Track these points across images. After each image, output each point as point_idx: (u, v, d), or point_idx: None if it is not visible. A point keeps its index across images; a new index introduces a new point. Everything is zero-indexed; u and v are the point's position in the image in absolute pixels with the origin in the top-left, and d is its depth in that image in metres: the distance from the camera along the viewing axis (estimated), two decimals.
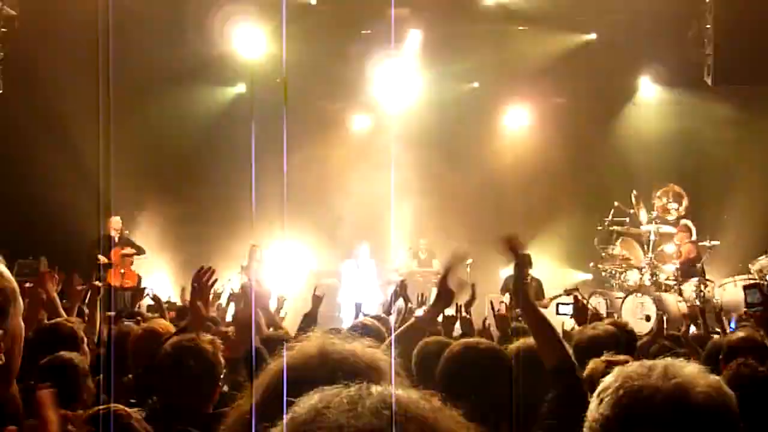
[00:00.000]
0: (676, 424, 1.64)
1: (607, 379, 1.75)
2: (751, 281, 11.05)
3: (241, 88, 15.66)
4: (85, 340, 4.57)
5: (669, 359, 1.80)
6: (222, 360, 3.51)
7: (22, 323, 1.86)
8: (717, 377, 1.76)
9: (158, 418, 3.19)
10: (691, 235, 12.47)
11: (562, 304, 9.74)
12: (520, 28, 14.77)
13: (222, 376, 3.55)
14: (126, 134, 12.30)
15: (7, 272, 1.83)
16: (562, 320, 8.10)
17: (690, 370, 1.73)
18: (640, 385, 1.68)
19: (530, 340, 3.43)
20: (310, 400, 1.18)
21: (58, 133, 11.54)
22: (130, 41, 12.35)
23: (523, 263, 3.40)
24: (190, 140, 15.25)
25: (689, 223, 12.60)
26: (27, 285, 4.89)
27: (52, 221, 11.57)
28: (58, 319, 4.77)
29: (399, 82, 14.90)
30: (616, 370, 1.78)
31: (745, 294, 4.71)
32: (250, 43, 13.92)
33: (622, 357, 3.33)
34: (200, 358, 3.39)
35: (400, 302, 7.30)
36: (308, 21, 14.49)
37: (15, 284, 1.83)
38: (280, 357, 1.66)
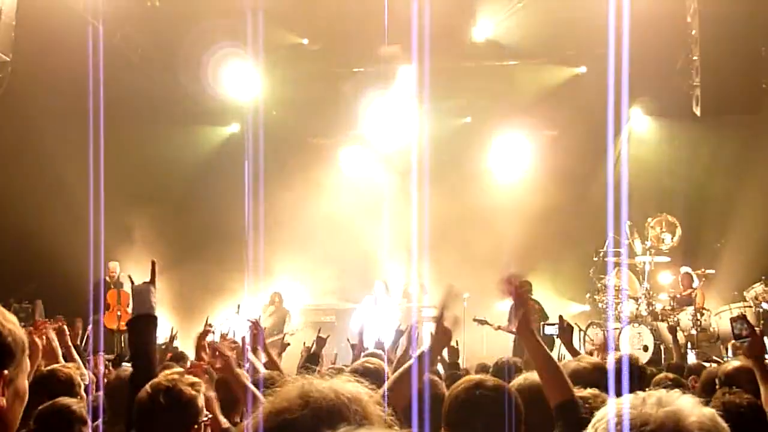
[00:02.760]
0: None
1: (602, 410, 1.70)
2: (739, 312, 11.04)
3: (234, 127, 15.71)
4: (82, 385, 4.53)
5: (663, 390, 1.74)
6: (201, 402, 3.44)
7: (26, 383, 1.84)
8: (711, 409, 1.69)
9: None
10: (692, 281, 12.45)
11: (548, 325, 9.77)
12: (511, 63, 14.85)
13: (203, 417, 3.48)
14: (121, 175, 12.29)
15: (18, 329, 1.81)
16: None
17: (683, 400, 1.68)
18: (633, 414, 1.64)
19: (532, 375, 3.41)
20: None
21: (52, 175, 11.51)
22: (123, 84, 12.39)
23: (524, 303, 3.33)
24: (184, 179, 15.25)
25: (690, 270, 12.58)
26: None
27: (46, 264, 11.50)
28: (55, 366, 4.73)
29: (392, 118, 14.91)
30: (612, 401, 1.76)
31: (732, 326, 4.63)
32: (243, 83, 13.94)
33: (587, 392, 3.29)
34: (177, 399, 3.31)
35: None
36: (301, 60, 14.56)
37: (25, 338, 1.82)
38: (269, 398, 1.69)
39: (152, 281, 4.03)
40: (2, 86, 10.53)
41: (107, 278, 12.20)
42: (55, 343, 5.35)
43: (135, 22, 12.68)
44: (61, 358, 5.33)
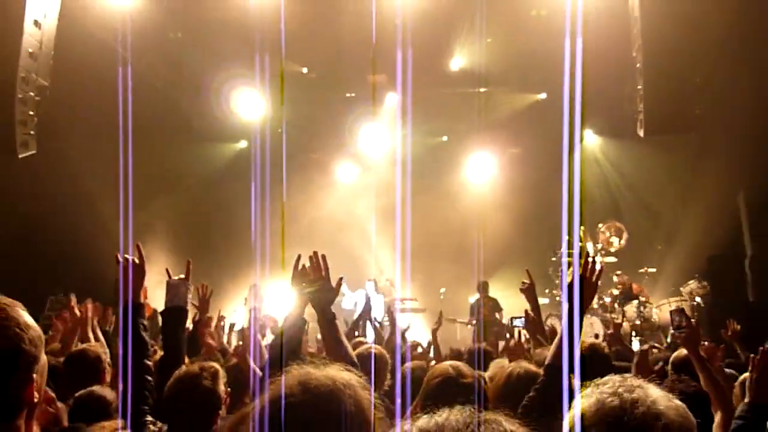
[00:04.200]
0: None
1: (586, 401, 1.65)
2: (677, 306, 11.04)
3: (243, 144, 15.69)
4: (108, 365, 4.47)
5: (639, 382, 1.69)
6: (222, 390, 3.34)
7: (45, 358, 1.80)
8: (682, 404, 1.66)
9: None
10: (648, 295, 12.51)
11: (516, 318, 9.78)
12: (482, 89, 14.83)
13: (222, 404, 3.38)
14: (145, 186, 12.18)
15: (34, 324, 1.77)
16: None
17: (656, 393, 1.64)
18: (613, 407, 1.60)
19: (525, 363, 3.46)
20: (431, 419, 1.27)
21: (83, 186, 11.41)
22: (147, 106, 12.31)
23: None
24: (200, 188, 15.21)
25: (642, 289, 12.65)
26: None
27: (78, 264, 11.39)
28: (83, 345, 4.73)
29: (379, 136, 14.91)
30: (592, 389, 1.68)
31: (671, 318, 4.55)
32: (251, 106, 13.90)
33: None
34: (198, 390, 3.22)
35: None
36: (301, 86, 14.54)
37: (41, 332, 1.78)
38: (275, 383, 1.65)
39: (187, 278, 3.95)
40: (41, 108, 10.43)
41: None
42: (88, 323, 5.37)
43: (159, 51, 12.63)
44: (91, 335, 5.30)
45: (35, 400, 1.71)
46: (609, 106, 12.98)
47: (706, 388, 3.41)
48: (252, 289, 12.90)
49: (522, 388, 3.12)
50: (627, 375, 1.71)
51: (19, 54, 9.81)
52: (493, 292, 13.10)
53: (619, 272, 12.67)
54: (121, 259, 3.48)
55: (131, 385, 3.06)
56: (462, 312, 13.54)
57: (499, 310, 12.50)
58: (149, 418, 3.15)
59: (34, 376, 1.71)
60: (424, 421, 1.27)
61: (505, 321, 11.73)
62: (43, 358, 1.77)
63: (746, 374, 4.91)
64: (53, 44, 10.51)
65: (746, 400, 3.08)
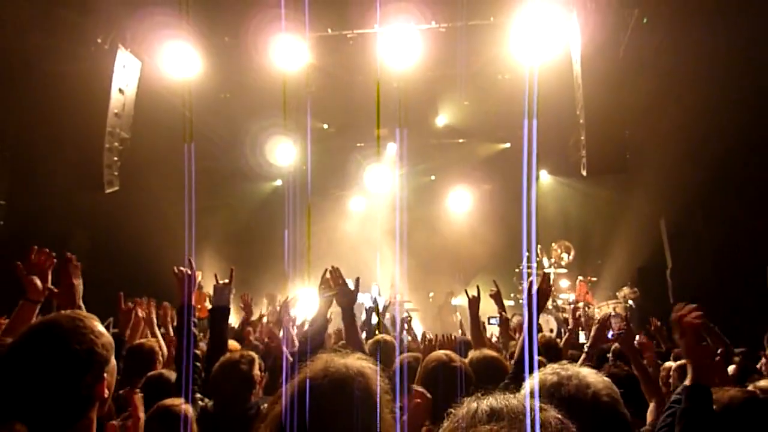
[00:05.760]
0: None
1: (534, 379, 1.67)
2: (616, 312, 11.00)
3: (278, 182, 15.68)
4: (163, 355, 4.28)
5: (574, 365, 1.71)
6: (256, 374, 3.27)
7: (114, 363, 1.76)
8: (608, 379, 1.67)
9: (207, 417, 2.96)
10: (587, 288, 12.36)
11: (492, 317, 9.68)
12: (461, 140, 14.88)
13: (258, 385, 3.31)
14: (205, 215, 12.19)
15: (106, 333, 1.74)
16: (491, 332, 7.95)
17: (589, 372, 1.66)
18: (553, 380, 1.63)
19: (486, 351, 3.39)
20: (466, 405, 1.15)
21: (158, 216, 11.37)
22: (205, 153, 12.36)
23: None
24: (245, 217, 15.20)
25: (581, 278, 12.51)
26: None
27: (152, 275, 11.31)
28: (142, 340, 4.44)
29: (383, 177, 14.92)
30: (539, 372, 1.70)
31: (611, 323, 4.48)
32: (285, 153, 13.92)
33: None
34: (237, 373, 3.16)
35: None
36: (323, 138, 14.60)
37: (112, 340, 1.75)
38: (304, 369, 1.61)
39: (230, 282, 3.90)
40: (124, 155, 10.47)
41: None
42: (153, 318, 5.11)
43: (213, 110, 12.66)
44: (156, 329, 5.11)
45: (105, 395, 1.67)
46: (559, 152, 12.99)
47: (639, 376, 3.33)
48: (285, 302, 12.79)
49: (482, 367, 3.13)
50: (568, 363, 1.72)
51: (107, 114, 9.88)
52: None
53: (581, 278, 12.54)
54: (176, 271, 3.43)
55: (184, 369, 3.01)
56: (445, 314, 13.44)
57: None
58: (198, 395, 3.10)
59: (105, 375, 1.68)
60: (474, 404, 1.11)
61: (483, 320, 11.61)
62: (113, 361, 1.73)
63: (669, 363, 4.82)
64: (134, 106, 10.57)
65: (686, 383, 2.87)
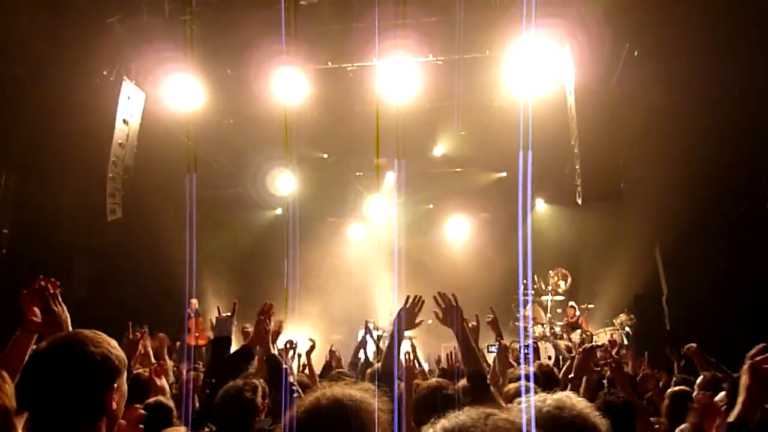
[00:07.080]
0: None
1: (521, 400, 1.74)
2: (612, 334, 10.94)
3: (279, 211, 15.69)
4: (164, 385, 4.24)
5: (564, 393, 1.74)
6: (259, 402, 3.24)
7: (125, 385, 1.81)
8: (589, 404, 1.72)
9: None
10: (575, 312, 12.29)
11: (491, 345, 9.59)
12: (457, 169, 14.95)
13: (261, 413, 3.27)
14: (206, 243, 12.15)
15: (121, 351, 1.80)
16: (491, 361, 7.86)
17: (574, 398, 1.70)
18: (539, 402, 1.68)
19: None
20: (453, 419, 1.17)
21: (161, 243, 11.34)
22: (207, 182, 12.39)
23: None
24: (246, 244, 15.16)
25: (574, 304, 12.44)
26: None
27: (153, 302, 11.24)
28: (139, 370, 4.40)
29: (381, 205, 14.95)
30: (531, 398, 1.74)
31: (597, 351, 4.43)
32: (285, 182, 13.93)
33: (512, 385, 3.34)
34: (241, 400, 3.14)
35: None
36: (322, 167, 14.67)
37: (125, 359, 1.81)
38: (308, 397, 1.62)
39: (233, 315, 3.89)
40: (127, 184, 10.50)
41: (189, 310, 11.80)
42: (148, 348, 5.01)
43: (215, 140, 12.70)
44: (152, 359, 5.03)
45: (114, 408, 1.68)
46: (554, 181, 13.06)
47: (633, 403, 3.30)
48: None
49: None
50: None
51: (111, 144, 9.95)
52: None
53: (572, 304, 12.47)
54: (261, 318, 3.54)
55: (189, 396, 2.99)
56: (444, 337, 13.31)
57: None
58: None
59: (115, 386, 1.70)
60: (443, 423, 1.18)
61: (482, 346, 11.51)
62: (124, 379, 1.76)
63: (676, 388, 4.76)
64: (137, 136, 10.64)
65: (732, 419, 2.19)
